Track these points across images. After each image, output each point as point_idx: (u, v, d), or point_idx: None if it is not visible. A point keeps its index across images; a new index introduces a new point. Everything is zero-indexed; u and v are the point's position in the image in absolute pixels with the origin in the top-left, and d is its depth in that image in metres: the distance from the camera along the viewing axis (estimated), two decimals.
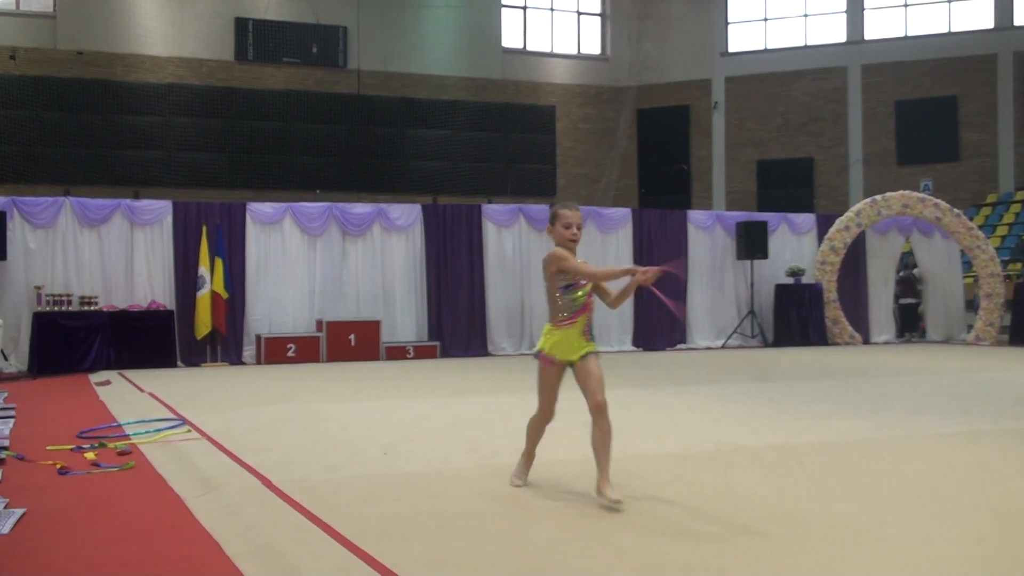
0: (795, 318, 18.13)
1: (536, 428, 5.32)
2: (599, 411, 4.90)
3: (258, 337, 15.12)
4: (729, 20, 28.63)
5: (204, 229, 14.83)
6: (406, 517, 4.60)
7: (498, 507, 4.82)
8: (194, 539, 4.27)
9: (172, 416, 8.37)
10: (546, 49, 28.51)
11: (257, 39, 24.93)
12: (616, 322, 17.26)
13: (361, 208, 16.41)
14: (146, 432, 7.38)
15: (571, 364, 5.02)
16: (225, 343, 15.05)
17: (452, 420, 8.10)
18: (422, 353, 15.80)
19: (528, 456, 5.37)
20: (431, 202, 19.92)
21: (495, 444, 6.78)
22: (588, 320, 5.04)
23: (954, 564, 3.82)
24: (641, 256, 17.53)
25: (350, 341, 15.38)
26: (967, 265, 19.92)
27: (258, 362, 15.01)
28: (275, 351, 15.00)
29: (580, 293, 4.99)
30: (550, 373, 5.08)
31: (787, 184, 27.23)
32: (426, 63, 26.49)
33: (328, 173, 25.12)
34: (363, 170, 25.50)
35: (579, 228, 5.05)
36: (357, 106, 25.66)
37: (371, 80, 25.90)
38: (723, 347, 17.81)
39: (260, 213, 15.54)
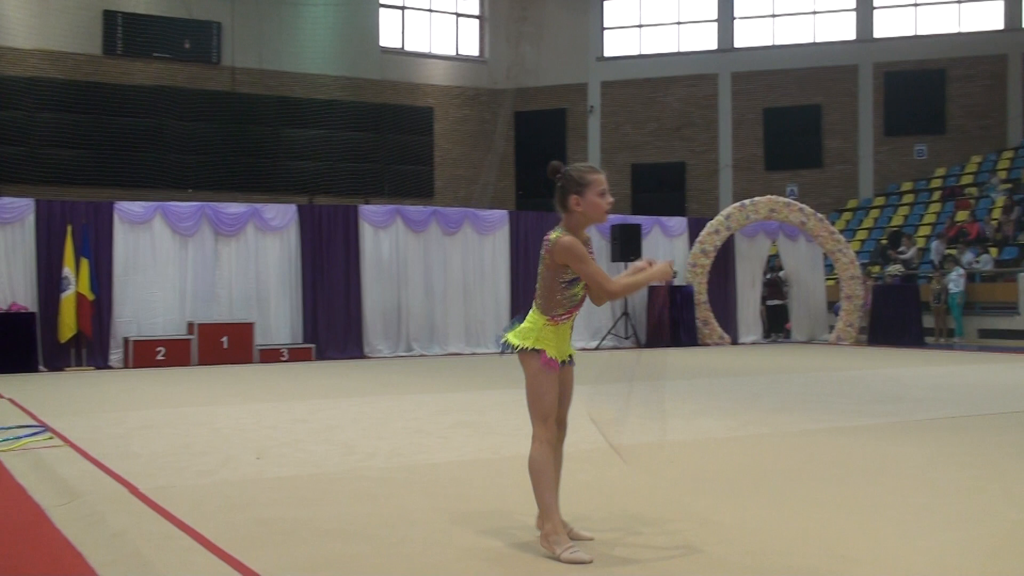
0: (667, 319, 18.51)
1: (548, 461, 4.10)
2: (561, 439, 4.29)
3: (126, 340, 14.69)
4: (605, 25, 29.08)
5: (69, 228, 14.32)
6: (279, 522, 4.55)
7: (374, 511, 4.81)
8: (56, 550, 4.14)
9: (33, 423, 8.08)
10: (424, 50, 28.48)
11: (126, 33, 24.19)
12: (493, 325, 17.35)
13: (235, 208, 16.11)
14: (5, 440, 7.11)
15: (561, 362, 4.20)
16: (91, 346, 14.58)
17: (327, 423, 8.03)
18: (297, 355, 15.59)
19: (554, 511, 4.07)
20: (307, 202, 19.66)
21: (371, 447, 6.76)
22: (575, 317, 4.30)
23: (817, 557, 3.97)
24: (517, 258, 17.69)
25: (222, 344, 15.07)
26: (829, 268, 20.69)
27: (126, 366, 14.58)
28: (144, 354, 14.59)
29: (580, 286, 4.17)
30: (553, 377, 4.13)
31: (660, 188, 27.82)
32: (302, 61, 26.14)
33: (201, 172, 24.57)
34: (237, 169, 25.02)
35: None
36: (231, 104, 25.16)
37: (246, 77, 25.43)
38: (597, 348, 18.08)
39: (129, 212, 15.11)
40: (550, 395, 4.10)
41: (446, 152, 28.14)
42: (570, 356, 4.24)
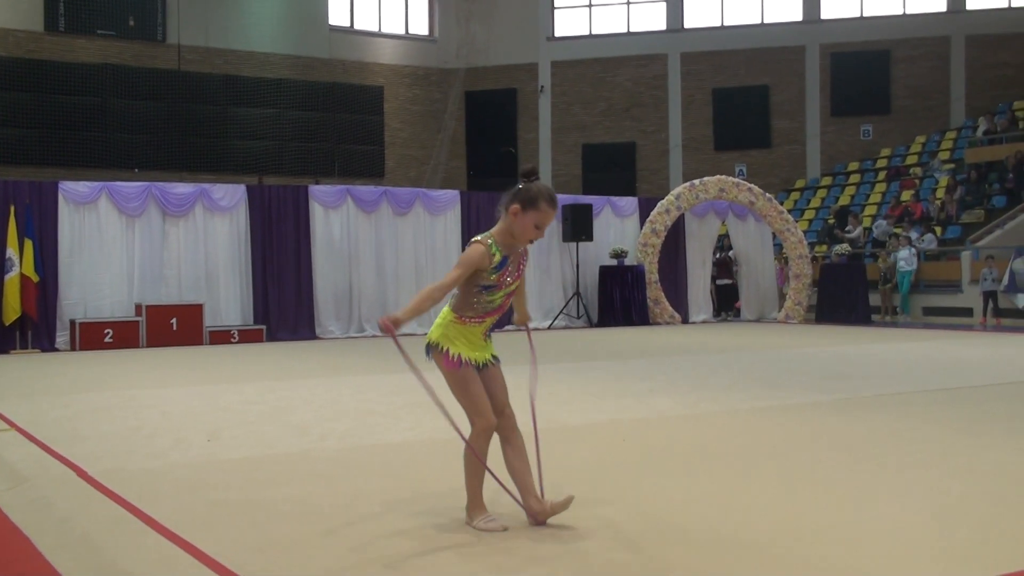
0: (618, 299, 18.60)
1: (481, 453, 4.10)
2: (511, 427, 4.22)
3: (72, 322, 14.48)
4: (555, 5, 29.03)
5: (12, 209, 14.06)
6: (231, 504, 4.52)
7: (327, 492, 4.79)
8: (2, 535, 4.08)
9: None
10: (373, 28, 28.24)
11: (69, 9, 23.69)
12: (444, 305, 17.29)
13: (182, 188, 15.91)
14: None
15: (478, 366, 4.14)
16: (36, 329, 14.34)
17: (279, 404, 7.98)
18: (247, 337, 15.46)
19: (477, 495, 4.14)
20: (256, 183, 19.47)
21: (323, 428, 6.73)
22: (494, 321, 4.22)
23: (767, 530, 4.03)
24: (469, 238, 17.58)
25: (171, 325, 14.90)
26: (778, 247, 20.90)
27: (73, 348, 14.37)
28: (91, 337, 14.38)
29: (500, 294, 4.13)
30: (469, 372, 4.10)
31: (611, 167, 27.90)
32: (250, 40, 25.80)
33: (147, 151, 24.20)
34: (184, 149, 24.68)
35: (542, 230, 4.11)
36: (177, 82, 24.79)
37: (192, 56, 25.04)
38: (550, 328, 18.14)
39: (73, 192, 14.86)
40: (473, 386, 4.07)
41: (397, 132, 27.98)
42: (493, 356, 4.20)
